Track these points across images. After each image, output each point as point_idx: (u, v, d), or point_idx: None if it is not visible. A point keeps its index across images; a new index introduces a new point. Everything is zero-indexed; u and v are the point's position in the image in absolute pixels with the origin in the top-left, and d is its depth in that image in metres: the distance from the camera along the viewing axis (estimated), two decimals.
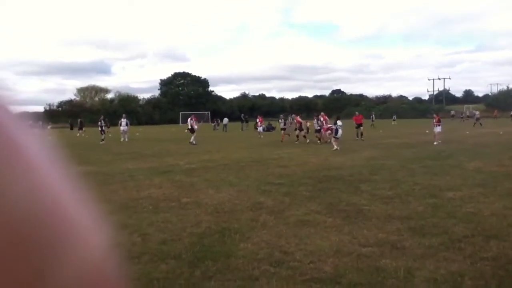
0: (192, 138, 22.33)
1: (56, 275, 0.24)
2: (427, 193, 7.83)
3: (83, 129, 41.04)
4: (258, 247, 4.95)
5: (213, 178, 10.18)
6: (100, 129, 26.31)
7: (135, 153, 17.48)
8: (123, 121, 27.99)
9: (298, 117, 24.46)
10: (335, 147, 17.09)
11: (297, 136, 22.47)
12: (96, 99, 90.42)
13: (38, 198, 0.24)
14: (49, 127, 35.72)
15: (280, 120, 27.35)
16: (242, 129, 40.97)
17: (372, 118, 43.95)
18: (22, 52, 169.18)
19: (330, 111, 52.78)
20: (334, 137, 17.74)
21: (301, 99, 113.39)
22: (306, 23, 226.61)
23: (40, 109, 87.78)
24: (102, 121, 26.84)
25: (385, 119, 59.81)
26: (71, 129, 40.54)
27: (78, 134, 37.80)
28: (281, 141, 22.92)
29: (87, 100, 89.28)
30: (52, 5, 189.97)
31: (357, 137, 22.99)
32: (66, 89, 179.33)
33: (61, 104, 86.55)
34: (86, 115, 75.56)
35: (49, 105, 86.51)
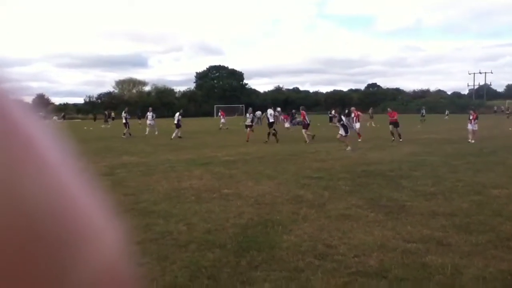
0: (175, 133, 21.95)
1: (71, 273, 0.24)
2: (471, 190, 7.66)
3: (109, 121, 41.20)
4: (301, 239, 5.01)
5: (252, 171, 10.29)
6: (124, 121, 25.16)
7: (174, 145, 17.84)
8: (149, 114, 27.82)
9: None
10: (347, 146, 15.22)
11: (272, 134, 19.43)
12: (134, 91, 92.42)
13: (52, 195, 0.24)
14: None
15: (248, 115, 23.78)
16: (276, 123, 41.03)
17: (422, 113, 42.70)
18: (63, 45, 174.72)
19: (365, 105, 52.04)
20: (340, 134, 15.87)
21: (336, 93, 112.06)
22: (341, 15, 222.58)
23: (81, 100, 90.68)
24: (126, 113, 25.83)
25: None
26: (94, 120, 40.81)
27: (103, 126, 38.31)
28: (246, 140, 19.35)
29: (125, 93, 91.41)
30: None
31: (393, 137, 18.98)
32: (105, 82, 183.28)
33: (100, 96, 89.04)
34: (123, 107, 77.46)
35: (89, 97, 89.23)
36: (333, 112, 38.88)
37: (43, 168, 0.24)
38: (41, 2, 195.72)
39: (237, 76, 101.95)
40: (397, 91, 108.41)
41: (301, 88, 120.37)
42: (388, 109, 22.04)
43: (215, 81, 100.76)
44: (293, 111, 41.42)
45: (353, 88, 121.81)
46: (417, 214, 6.08)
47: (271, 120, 19.62)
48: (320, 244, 4.82)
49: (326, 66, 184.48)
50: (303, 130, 19.96)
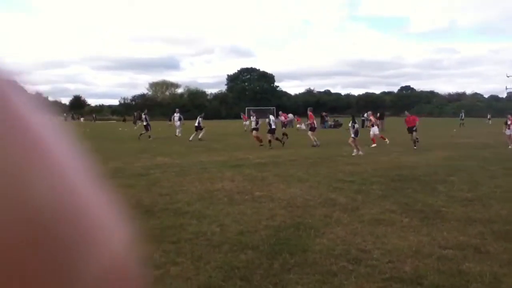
0: (193, 135, 21.76)
1: (80, 273, 0.24)
2: (510, 196, 7.42)
3: (137, 122, 41.37)
4: (334, 243, 4.99)
5: (283, 173, 10.29)
6: (145, 123, 23.95)
7: (206, 147, 18.04)
8: (176, 115, 27.30)
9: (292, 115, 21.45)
10: (358, 151, 14.66)
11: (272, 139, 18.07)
12: (167, 93, 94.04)
13: (61, 194, 0.24)
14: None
15: (252, 118, 22.47)
16: (324, 127, 40.74)
17: (461, 116, 41.36)
18: (99, 48, 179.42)
19: (398, 108, 51.04)
20: (352, 137, 15.15)
21: (368, 96, 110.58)
22: (372, 16, 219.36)
23: (115, 102, 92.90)
24: (146, 115, 24.62)
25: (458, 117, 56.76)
26: (124, 121, 40.91)
27: (136, 127, 38.68)
28: (260, 144, 18.22)
29: (159, 95, 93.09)
30: (125, 3, 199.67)
31: (414, 145, 17.04)
32: (138, 84, 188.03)
33: (134, 98, 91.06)
34: (156, 108, 78.84)
35: (124, 98, 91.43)
36: (365, 115, 38.45)
37: (52, 166, 0.24)
38: (79, 6, 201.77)
39: (268, 78, 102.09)
40: (432, 94, 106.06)
41: (332, 91, 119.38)
42: (406, 112, 19.58)
43: (246, 83, 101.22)
44: (324, 113, 41.17)
45: (386, 90, 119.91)
46: (453, 220, 5.94)
47: (273, 126, 18.64)
48: (354, 249, 4.79)
49: (357, 68, 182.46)
50: (309, 133, 19.09)
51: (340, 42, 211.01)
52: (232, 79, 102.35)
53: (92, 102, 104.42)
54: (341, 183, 8.90)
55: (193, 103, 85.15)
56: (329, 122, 38.60)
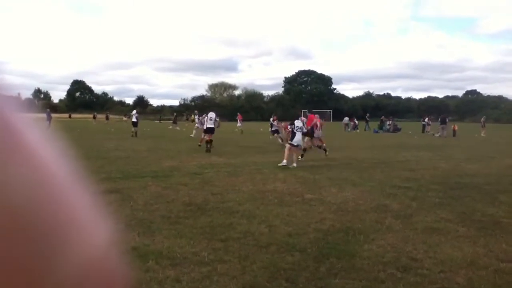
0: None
1: (56, 271, 0.24)
2: None
3: (177, 123, 41.54)
4: (384, 250, 4.87)
5: (336, 177, 10.17)
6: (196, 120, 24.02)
7: (260, 148, 18.20)
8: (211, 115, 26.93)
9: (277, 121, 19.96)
10: (284, 161, 11.75)
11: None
12: (225, 95, 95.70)
13: (39, 191, 0.24)
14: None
15: (272, 121, 22.15)
16: (365, 129, 39.90)
17: None
18: (160, 50, 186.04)
19: (463, 113, 48.68)
20: (289, 143, 12.29)
21: (430, 100, 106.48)
22: (437, 17, 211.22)
23: (176, 103, 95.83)
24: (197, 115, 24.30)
25: None
26: (174, 122, 41.52)
27: (170, 127, 39.29)
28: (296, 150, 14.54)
29: (217, 96, 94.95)
30: (185, 5, 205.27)
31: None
32: (197, 85, 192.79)
33: (194, 99, 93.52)
34: (215, 109, 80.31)
35: (184, 99, 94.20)
36: (426, 120, 37.01)
37: (28, 161, 0.24)
38: (141, 9, 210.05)
39: (325, 80, 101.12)
40: (499, 99, 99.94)
41: (393, 94, 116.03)
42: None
43: (303, 86, 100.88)
44: (382, 117, 40.10)
45: (450, 94, 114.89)
46: None
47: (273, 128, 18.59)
48: (404, 256, 4.65)
49: (419, 71, 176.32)
50: (306, 138, 15.83)
51: (402, 43, 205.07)
52: (290, 81, 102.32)
53: (154, 102, 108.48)
54: (395, 189, 8.65)
55: (250, 105, 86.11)
56: (387, 126, 37.50)
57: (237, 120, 38.25)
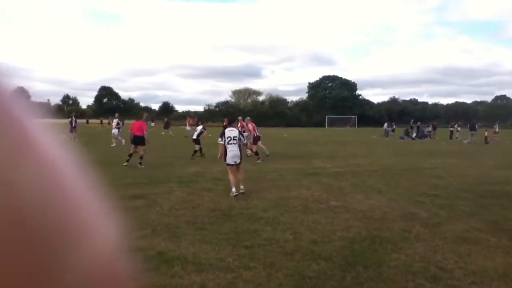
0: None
1: (66, 271, 0.24)
2: None
3: (169, 128, 39.56)
4: (412, 259, 4.76)
5: (361, 184, 10.03)
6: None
7: (284, 154, 18.14)
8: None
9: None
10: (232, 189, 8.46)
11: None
12: (249, 100, 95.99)
13: (49, 192, 0.24)
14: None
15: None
16: (386, 135, 39.24)
17: None
18: (184, 57, 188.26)
19: (493, 119, 47.43)
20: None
21: (458, 105, 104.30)
22: (461, 21, 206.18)
23: (200, 108, 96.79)
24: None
25: None
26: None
27: (163, 133, 37.36)
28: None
29: (241, 102, 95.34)
30: (207, 12, 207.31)
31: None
32: (221, 91, 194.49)
33: (218, 105, 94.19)
34: (239, 115, 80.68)
35: (208, 105, 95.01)
36: (455, 126, 36.20)
37: (40, 164, 0.25)
38: (165, 17, 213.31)
39: (349, 86, 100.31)
40: None
41: (419, 100, 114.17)
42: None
43: (327, 91, 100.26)
44: (412, 121, 39.33)
45: (478, 100, 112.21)
46: None
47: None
48: (433, 266, 4.53)
49: (446, 76, 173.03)
50: (254, 146, 15.88)
51: (426, 48, 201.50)
52: (313, 87, 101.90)
53: (179, 108, 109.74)
54: (423, 196, 8.47)
55: (274, 111, 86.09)
56: (425, 132, 36.74)
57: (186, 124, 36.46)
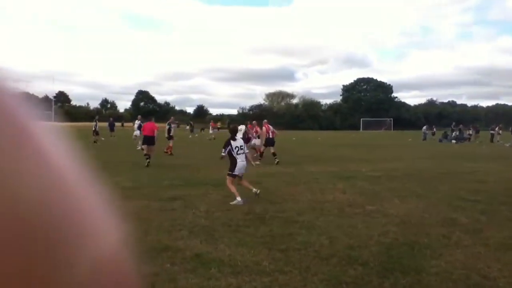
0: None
1: (69, 270, 0.24)
2: None
3: (194, 131, 39.96)
4: (452, 266, 4.63)
5: (398, 188, 9.83)
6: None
7: (318, 157, 18.03)
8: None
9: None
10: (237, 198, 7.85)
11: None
12: (283, 104, 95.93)
13: (51, 191, 0.24)
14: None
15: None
16: (424, 139, 38.23)
17: None
18: (218, 60, 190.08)
19: None
20: (228, 174, 8.42)
21: (499, 107, 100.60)
22: (504, 21, 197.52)
23: (234, 112, 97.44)
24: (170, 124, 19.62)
25: None
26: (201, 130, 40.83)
27: (190, 136, 38.34)
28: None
29: (275, 105, 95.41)
30: (243, 16, 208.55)
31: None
32: (254, 94, 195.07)
33: (252, 108, 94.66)
34: (272, 118, 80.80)
35: (242, 108, 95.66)
36: (496, 129, 34.95)
37: (42, 163, 0.25)
38: (198, 22, 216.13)
39: (385, 88, 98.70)
40: None
41: (458, 102, 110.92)
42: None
43: (362, 94, 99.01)
44: (454, 123, 38.21)
45: None
46: None
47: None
48: (475, 274, 4.39)
49: (485, 78, 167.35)
50: (263, 146, 16.46)
51: (465, 49, 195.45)
52: (348, 90, 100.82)
53: (213, 111, 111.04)
54: (463, 201, 8.22)
55: (308, 114, 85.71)
56: (465, 135, 35.65)
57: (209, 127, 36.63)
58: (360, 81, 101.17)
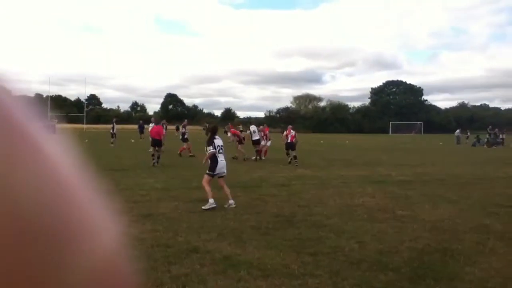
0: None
1: (68, 271, 0.24)
2: None
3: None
4: (487, 274, 4.51)
5: (430, 193, 9.64)
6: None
7: (347, 161, 17.86)
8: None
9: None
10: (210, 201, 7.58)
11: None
12: (310, 106, 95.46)
13: (50, 192, 0.24)
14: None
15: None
16: (458, 143, 37.28)
17: None
18: (245, 63, 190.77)
19: None
20: (207, 173, 8.06)
21: None
22: None
23: (261, 114, 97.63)
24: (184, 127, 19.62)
25: None
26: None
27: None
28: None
29: (302, 108, 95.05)
30: (270, 19, 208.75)
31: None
32: (281, 97, 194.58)
33: (279, 111, 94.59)
34: (300, 121, 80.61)
35: (269, 111, 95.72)
36: None
37: (40, 164, 0.25)
38: (225, 26, 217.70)
39: (415, 91, 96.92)
40: None
41: (490, 105, 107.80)
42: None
43: (391, 97, 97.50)
44: (490, 127, 37.14)
45: None
46: None
47: (254, 137, 17.65)
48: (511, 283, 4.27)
49: None
50: (240, 146, 18.02)
51: (498, 50, 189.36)
52: (376, 92, 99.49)
53: (240, 114, 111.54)
54: (497, 207, 7.99)
55: (335, 117, 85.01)
56: (498, 139, 34.60)
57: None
58: (389, 84, 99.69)
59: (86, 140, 26.96)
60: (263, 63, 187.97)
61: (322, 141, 36.61)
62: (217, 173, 7.78)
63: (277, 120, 79.34)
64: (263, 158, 17.53)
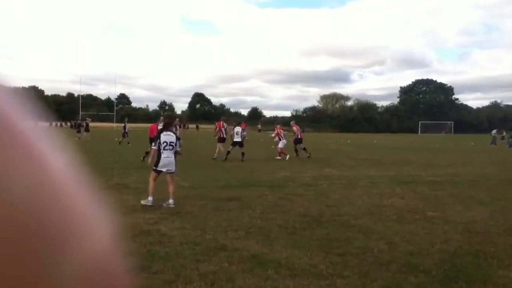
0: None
1: (60, 270, 0.24)
2: None
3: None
4: None
5: (461, 194, 9.41)
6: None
7: (375, 161, 17.62)
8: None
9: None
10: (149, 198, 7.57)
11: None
12: (337, 106, 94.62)
13: (42, 193, 0.24)
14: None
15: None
16: (493, 143, 36.22)
17: None
18: (271, 63, 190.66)
19: None
20: (153, 169, 8.04)
21: None
22: None
23: (288, 114, 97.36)
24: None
25: None
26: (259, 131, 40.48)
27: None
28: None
29: (329, 107, 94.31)
30: (297, 18, 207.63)
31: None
32: (307, 96, 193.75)
33: (305, 110, 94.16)
34: (326, 120, 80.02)
35: (296, 110, 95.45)
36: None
37: (32, 164, 0.24)
38: (251, 25, 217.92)
39: (445, 90, 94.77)
40: None
41: None
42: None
43: (420, 96, 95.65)
44: None
45: None
46: None
47: (236, 139, 16.80)
48: None
49: None
50: (219, 144, 17.29)
51: None
52: (406, 91, 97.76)
53: (267, 113, 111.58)
54: None
55: (363, 116, 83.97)
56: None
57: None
58: (418, 83, 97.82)
59: (116, 139, 27.49)
60: (289, 62, 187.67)
61: (349, 141, 36.26)
62: (162, 170, 7.57)
63: (303, 120, 78.94)
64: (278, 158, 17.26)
